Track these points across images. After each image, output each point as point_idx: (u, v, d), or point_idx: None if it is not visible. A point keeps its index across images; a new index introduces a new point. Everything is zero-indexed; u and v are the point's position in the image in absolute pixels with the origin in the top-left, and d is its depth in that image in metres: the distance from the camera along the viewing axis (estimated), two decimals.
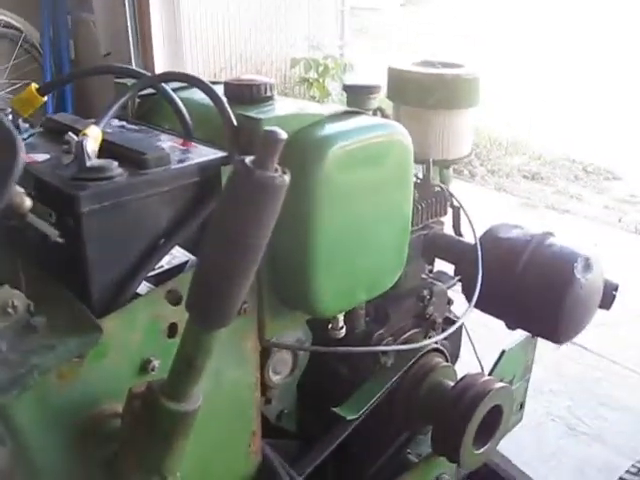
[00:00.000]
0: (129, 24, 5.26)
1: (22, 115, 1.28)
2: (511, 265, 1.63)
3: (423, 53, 6.92)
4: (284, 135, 0.79)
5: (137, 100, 1.45)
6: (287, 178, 0.82)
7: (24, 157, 0.86)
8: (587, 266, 1.61)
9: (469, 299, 1.66)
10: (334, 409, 1.56)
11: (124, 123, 1.36)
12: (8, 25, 5.29)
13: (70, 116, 1.37)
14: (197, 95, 1.35)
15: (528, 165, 7.10)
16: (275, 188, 0.81)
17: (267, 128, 0.80)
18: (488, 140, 7.52)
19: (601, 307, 1.72)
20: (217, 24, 6.50)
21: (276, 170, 0.81)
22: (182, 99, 1.32)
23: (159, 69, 5.34)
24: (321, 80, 6.98)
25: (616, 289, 1.73)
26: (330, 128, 1.23)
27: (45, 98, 1.32)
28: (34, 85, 1.32)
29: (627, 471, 1.78)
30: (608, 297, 1.73)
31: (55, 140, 1.22)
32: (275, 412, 1.57)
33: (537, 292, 1.62)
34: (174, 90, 1.34)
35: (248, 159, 0.81)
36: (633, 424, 3.25)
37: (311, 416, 1.63)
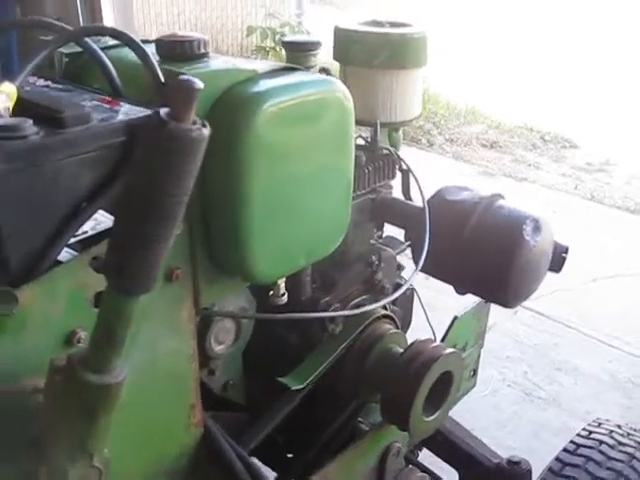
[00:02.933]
0: None
1: None
2: (459, 228, 1.60)
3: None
4: (200, 84, 0.73)
5: (65, 59, 1.37)
6: (206, 131, 0.76)
7: None
8: (536, 228, 1.58)
9: (417, 263, 1.62)
10: (280, 379, 1.51)
11: (49, 83, 1.28)
12: None
13: None
14: (130, 54, 1.28)
15: (486, 134, 7.10)
16: (192, 141, 0.75)
17: (181, 77, 0.74)
18: (446, 109, 7.50)
19: (551, 270, 1.70)
20: None
21: (194, 122, 0.75)
22: (114, 58, 1.24)
23: None
24: (278, 48, 6.88)
25: (566, 251, 1.71)
26: (263, 85, 1.17)
27: None
28: None
29: (578, 434, 1.76)
30: (558, 259, 1.70)
31: None
32: (220, 383, 1.52)
33: (486, 255, 1.59)
34: (106, 49, 1.27)
35: (163, 111, 0.75)
36: (588, 388, 3.29)
37: (258, 387, 1.59)
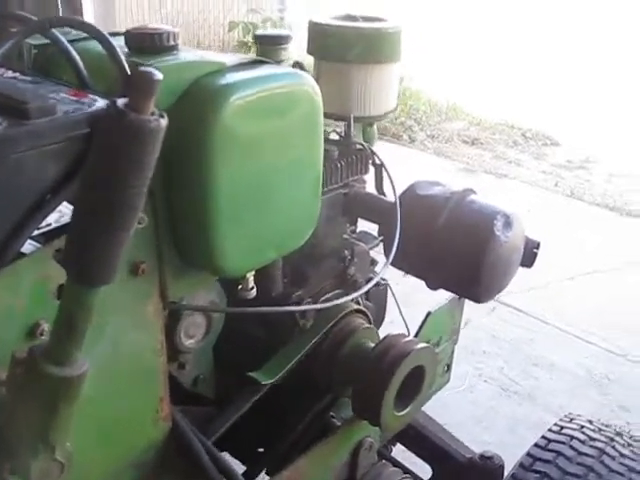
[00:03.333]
0: None
1: None
2: (430, 223, 1.60)
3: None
4: (159, 75, 0.73)
5: (34, 51, 1.35)
6: (164, 122, 0.76)
7: None
8: (507, 224, 1.59)
9: (388, 258, 1.62)
10: (250, 374, 1.51)
11: (17, 74, 1.27)
12: None
13: None
14: (98, 46, 1.27)
15: (468, 130, 7.13)
16: (150, 132, 0.74)
17: (141, 68, 0.73)
18: (428, 105, 7.52)
19: (523, 265, 1.71)
20: None
21: (152, 113, 0.75)
22: (81, 50, 1.23)
23: None
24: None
25: (537, 247, 1.72)
26: (230, 77, 1.16)
27: None
28: None
29: (549, 429, 1.77)
30: (529, 255, 1.71)
31: None
32: (190, 378, 1.51)
33: (457, 250, 1.60)
34: (74, 41, 1.26)
35: (120, 101, 0.74)
36: (562, 383, 3.32)
37: (229, 381, 1.59)
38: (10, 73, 1.27)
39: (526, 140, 7.09)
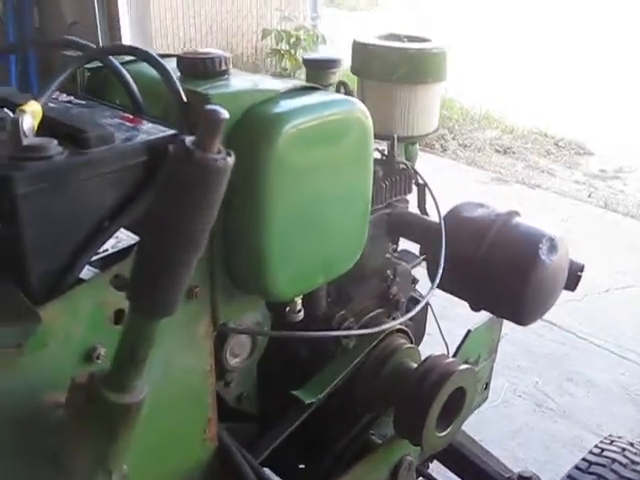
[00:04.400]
0: None
1: None
2: (475, 245, 1.60)
3: (396, 25, 6.85)
4: (225, 114, 0.74)
5: (87, 74, 1.38)
6: (231, 160, 0.77)
7: None
8: (552, 247, 1.58)
9: (433, 279, 1.63)
10: (293, 392, 1.52)
11: (72, 98, 1.29)
12: None
13: (10, 89, 1.31)
14: (150, 70, 1.29)
15: (500, 139, 7.08)
16: (217, 171, 0.76)
17: (208, 107, 0.75)
18: (460, 113, 7.49)
19: (566, 288, 1.70)
20: None
21: (219, 151, 0.76)
22: (134, 73, 1.25)
23: (126, 39, 5.22)
24: (293, 52, 6.89)
25: (581, 270, 1.71)
26: (284, 105, 1.18)
27: None
28: None
29: (590, 452, 1.77)
30: (573, 278, 1.70)
31: None
32: (234, 395, 1.54)
33: (501, 273, 1.59)
34: (126, 63, 1.28)
35: (188, 139, 0.76)
36: (598, 399, 3.28)
37: (271, 399, 1.60)
38: (64, 96, 1.30)
39: (559, 149, 7.03)
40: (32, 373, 1.01)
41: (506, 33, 11.22)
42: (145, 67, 1.31)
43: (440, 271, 1.53)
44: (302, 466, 1.80)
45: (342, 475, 1.59)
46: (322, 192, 1.23)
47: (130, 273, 0.84)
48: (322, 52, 7.20)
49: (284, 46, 7.00)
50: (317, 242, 1.26)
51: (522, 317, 1.65)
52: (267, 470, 1.61)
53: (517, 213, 1.67)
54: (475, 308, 1.71)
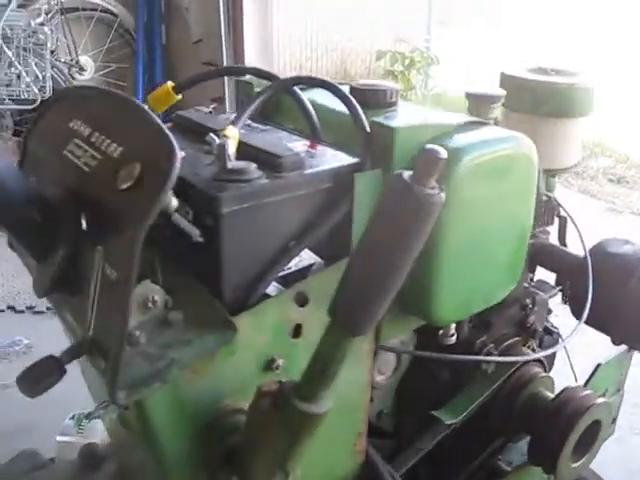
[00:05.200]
0: (222, 11, 5.33)
1: (157, 112, 1.32)
2: (623, 281, 1.61)
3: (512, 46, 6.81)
4: (445, 154, 0.81)
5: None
6: (444, 196, 0.83)
7: (179, 162, 0.88)
8: None
9: (574, 311, 1.65)
10: (434, 412, 1.57)
11: (249, 122, 1.39)
12: (105, 10, 5.47)
13: (198, 113, 1.41)
14: (318, 96, 1.38)
15: (614, 168, 6.91)
16: (433, 205, 0.82)
17: (428, 146, 0.81)
18: None
19: None
20: (305, 14, 6.55)
21: (433, 187, 0.83)
22: (309, 100, 1.34)
23: (249, 57, 5.41)
24: (406, 73, 6.94)
25: None
26: (460, 139, 1.24)
27: (179, 96, 1.36)
28: (170, 83, 1.36)
29: None
30: None
31: (188, 138, 1.26)
32: (375, 412, 1.59)
33: None
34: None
35: (406, 174, 0.83)
36: None
37: (408, 417, 1.65)
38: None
39: None
40: (217, 379, 1.09)
41: (615, 59, 10.95)
42: (314, 95, 1.40)
43: (588, 308, 1.55)
44: None
45: None
46: (489, 223, 1.28)
47: (338, 288, 0.91)
48: (435, 72, 7.26)
49: (398, 67, 7.06)
50: (481, 272, 1.31)
51: None
52: None
53: None
54: (616, 342, 1.72)
